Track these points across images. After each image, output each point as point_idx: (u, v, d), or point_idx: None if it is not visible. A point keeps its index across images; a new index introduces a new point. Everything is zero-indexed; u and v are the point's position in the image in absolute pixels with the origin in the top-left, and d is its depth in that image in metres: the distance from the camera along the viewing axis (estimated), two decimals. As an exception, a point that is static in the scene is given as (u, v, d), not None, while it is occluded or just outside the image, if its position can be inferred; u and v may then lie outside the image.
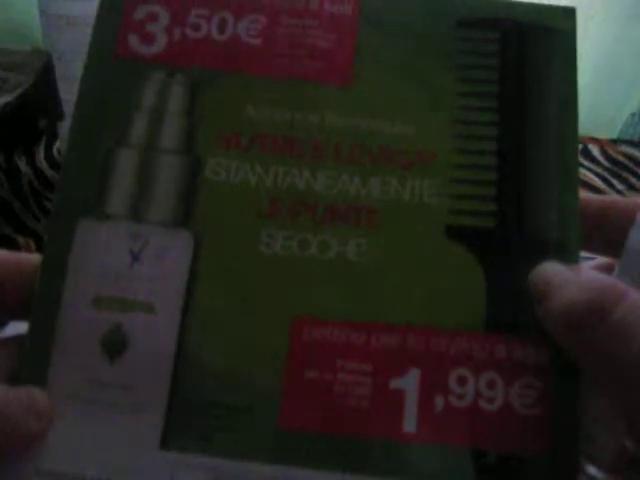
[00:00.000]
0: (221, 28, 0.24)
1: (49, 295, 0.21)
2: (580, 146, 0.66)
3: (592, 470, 0.22)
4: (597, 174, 0.64)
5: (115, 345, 0.21)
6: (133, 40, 0.24)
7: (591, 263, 0.25)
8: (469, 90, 0.23)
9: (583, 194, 0.23)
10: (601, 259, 0.25)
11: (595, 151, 0.66)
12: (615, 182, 0.63)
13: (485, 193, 0.22)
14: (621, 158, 0.66)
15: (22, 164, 0.58)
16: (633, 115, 0.73)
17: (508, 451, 0.20)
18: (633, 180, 0.63)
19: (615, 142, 0.68)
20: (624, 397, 0.18)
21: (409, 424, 0.20)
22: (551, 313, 0.20)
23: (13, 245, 0.51)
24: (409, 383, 0.21)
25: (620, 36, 0.70)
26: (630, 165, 0.65)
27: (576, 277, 0.20)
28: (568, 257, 0.21)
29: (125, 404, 0.21)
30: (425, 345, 0.21)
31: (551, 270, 0.21)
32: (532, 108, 0.23)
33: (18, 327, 0.22)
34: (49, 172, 0.57)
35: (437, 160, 0.23)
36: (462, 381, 0.21)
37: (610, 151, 0.67)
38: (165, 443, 0.20)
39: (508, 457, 0.20)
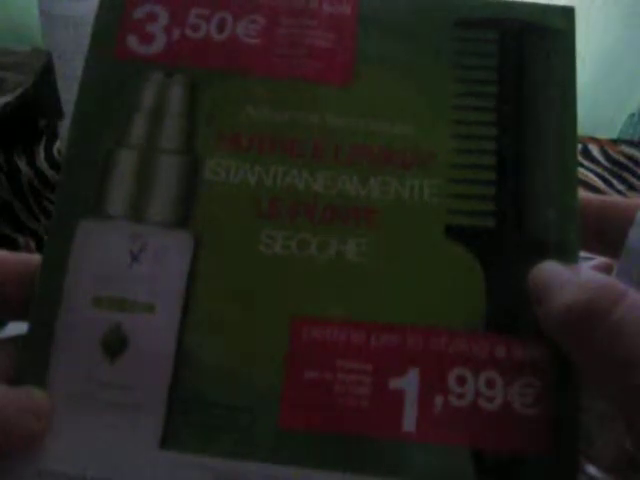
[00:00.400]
0: (220, 28, 0.24)
1: (49, 295, 0.21)
2: (580, 146, 0.66)
3: (592, 470, 0.22)
4: (597, 174, 0.64)
5: (115, 345, 0.21)
6: (132, 40, 0.24)
7: (591, 263, 0.25)
8: (468, 90, 0.23)
9: (583, 194, 0.23)
10: (601, 259, 0.25)
11: (595, 151, 0.66)
12: (615, 182, 0.63)
13: (485, 193, 0.22)
14: (621, 158, 0.66)
15: (22, 164, 0.58)
16: (632, 115, 0.73)
17: (508, 451, 0.20)
18: (633, 180, 0.63)
19: (615, 142, 0.68)
20: (624, 397, 0.18)
21: (409, 424, 0.20)
22: (551, 313, 0.20)
23: (13, 245, 0.51)
24: (409, 383, 0.21)
25: (620, 36, 0.70)
26: (630, 165, 0.65)
27: (575, 277, 0.20)
28: (567, 257, 0.21)
29: (125, 404, 0.21)
30: (425, 345, 0.21)
31: (550, 270, 0.21)
32: (531, 108, 0.23)
33: (18, 327, 0.22)
34: (49, 172, 0.57)
35: (437, 160, 0.23)
36: (462, 381, 0.21)
37: (610, 151, 0.67)
38: (165, 443, 0.20)
39: (508, 457, 0.20)
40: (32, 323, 0.21)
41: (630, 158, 0.66)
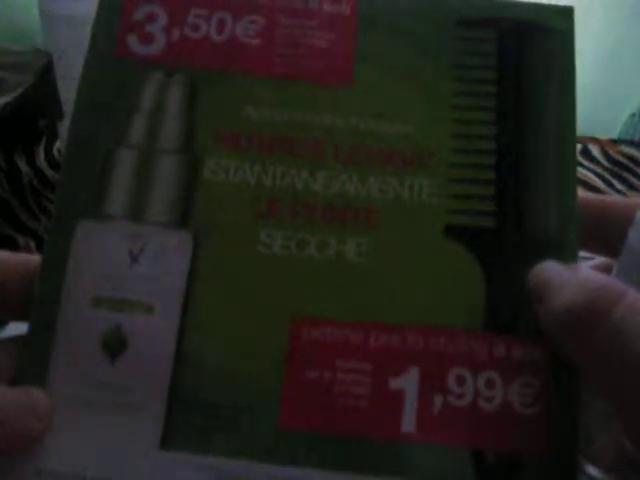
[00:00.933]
0: (219, 28, 0.24)
1: (49, 295, 0.21)
2: (580, 146, 0.66)
3: (592, 470, 0.22)
4: (597, 174, 0.64)
5: (115, 345, 0.21)
6: (132, 40, 0.24)
7: (590, 263, 0.25)
8: (468, 90, 0.23)
9: (583, 194, 0.23)
10: (600, 259, 0.25)
11: (595, 151, 0.66)
12: (615, 182, 0.63)
13: (484, 193, 0.22)
14: (621, 158, 0.66)
15: (22, 164, 0.58)
16: (633, 115, 0.73)
17: (507, 450, 0.20)
18: (633, 180, 0.63)
19: (615, 142, 0.68)
20: (623, 397, 0.18)
21: (408, 424, 0.20)
22: (550, 313, 0.20)
23: (13, 245, 0.51)
24: (408, 383, 0.21)
25: (620, 36, 0.70)
26: (630, 165, 0.65)
27: (575, 277, 0.20)
28: (567, 257, 0.21)
29: (125, 404, 0.21)
30: (424, 344, 0.21)
31: (550, 270, 0.21)
32: (530, 108, 0.23)
33: (18, 327, 0.22)
34: (49, 172, 0.58)
35: (436, 160, 0.23)
36: (461, 380, 0.21)
37: (610, 151, 0.67)
38: (165, 443, 0.20)
39: (507, 456, 0.20)
40: (32, 323, 0.21)
41: (630, 158, 0.66)
